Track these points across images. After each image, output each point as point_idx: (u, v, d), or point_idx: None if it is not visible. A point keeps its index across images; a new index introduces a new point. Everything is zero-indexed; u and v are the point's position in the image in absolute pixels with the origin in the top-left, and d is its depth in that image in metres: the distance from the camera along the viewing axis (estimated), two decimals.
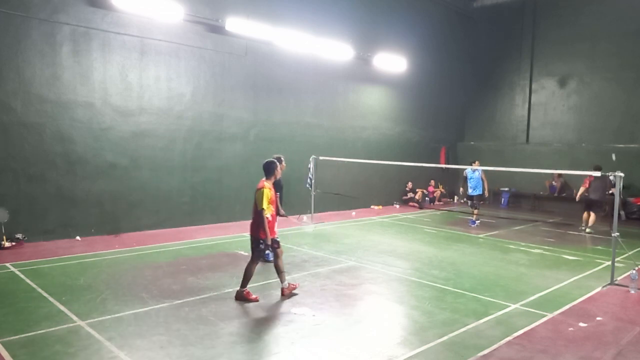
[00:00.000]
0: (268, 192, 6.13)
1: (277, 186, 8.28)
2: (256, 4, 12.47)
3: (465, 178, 13.25)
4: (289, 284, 6.56)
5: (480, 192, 13.07)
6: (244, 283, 6.30)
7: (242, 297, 6.23)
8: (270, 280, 7.20)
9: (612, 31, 16.06)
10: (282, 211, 7.83)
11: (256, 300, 6.22)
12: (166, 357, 4.62)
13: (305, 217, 13.07)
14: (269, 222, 6.15)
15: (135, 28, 10.53)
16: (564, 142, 17.31)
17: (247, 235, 10.53)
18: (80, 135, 9.96)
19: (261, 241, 6.17)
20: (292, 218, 8.98)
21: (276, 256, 6.43)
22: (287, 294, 6.45)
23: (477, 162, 13.05)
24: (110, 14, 10.14)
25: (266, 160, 6.53)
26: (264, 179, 6.37)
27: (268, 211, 6.13)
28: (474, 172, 12.97)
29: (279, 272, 6.46)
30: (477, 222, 13.01)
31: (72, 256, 8.46)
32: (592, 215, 12.33)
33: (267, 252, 8.27)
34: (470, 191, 13.15)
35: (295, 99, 13.93)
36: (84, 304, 6.01)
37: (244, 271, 6.35)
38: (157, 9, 10.42)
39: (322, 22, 14.07)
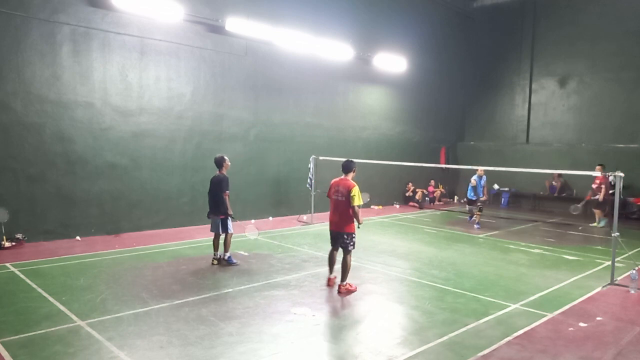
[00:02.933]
0: (358, 188, 6.69)
1: (227, 186, 8.08)
2: (256, 4, 12.47)
3: (475, 187, 12.88)
4: (348, 283, 6.81)
5: (481, 196, 12.99)
6: (344, 277, 6.72)
7: (345, 290, 6.68)
8: (270, 280, 7.21)
9: (612, 31, 16.06)
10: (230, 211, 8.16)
11: (355, 289, 6.78)
12: (166, 357, 4.62)
13: (305, 217, 13.08)
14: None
15: (135, 28, 10.53)
16: (564, 142, 17.30)
17: (246, 235, 10.55)
18: (80, 135, 9.96)
19: (353, 235, 6.73)
20: (246, 224, 8.96)
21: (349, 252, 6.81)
22: (344, 292, 6.71)
23: (480, 170, 12.75)
24: (110, 14, 10.14)
25: (345, 160, 7.03)
26: (344, 176, 6.83)
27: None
28: (481, 179, 12.87)
29: (348, 270, 6.75)
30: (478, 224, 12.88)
31: (72, 256, 8.46)
32: None
33: (228, 255, 8.03)
34: (474, 197, 12.98)
35: (295, 99, 13.93)
36: (84, 304, 6.01)
37: (342, 266, 6.72)
38: (157, 9, 10.42)
39: (322, 22, 14.07)
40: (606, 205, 12.86)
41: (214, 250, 8.22)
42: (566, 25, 17.11)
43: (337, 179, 6.91)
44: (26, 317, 5.52)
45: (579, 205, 12.95)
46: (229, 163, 8.39)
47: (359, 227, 6.77)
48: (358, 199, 6.58)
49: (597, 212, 13.27)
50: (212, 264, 8.12)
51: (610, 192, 13.38)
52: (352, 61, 15.09)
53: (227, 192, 8.05)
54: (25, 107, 9.26)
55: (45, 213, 9.60)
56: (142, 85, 10.75)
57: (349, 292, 6.70)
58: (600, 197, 12.93)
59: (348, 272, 6.73)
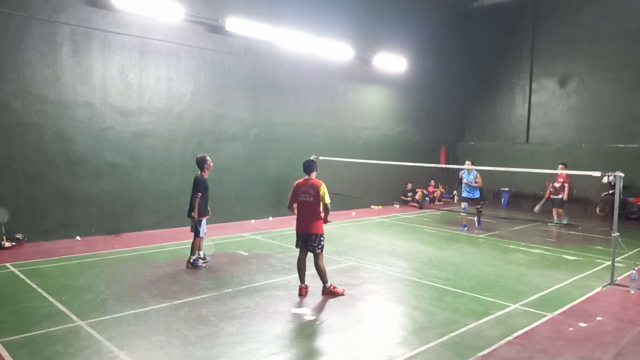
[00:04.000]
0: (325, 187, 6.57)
1: (204, 187, 7.89)
2: (256, 4, 12.47)
3: (460, 180, 12.42)
4: (332, 285, 6.66)
5: (478, 196, 12.32)
6: (324, 279, 6.57)
7: (329, 292, 6.56)
8: (270, 280, 7.21)
9: (612, 31, 16.06)
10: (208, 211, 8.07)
11: (342, 293, 6.60)
12: (166, 357, 4.62)
13: None
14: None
15: (135, 28, 10.53)
16: (564, 142, 17.31)
17: (246, 235, 10.57)
18: (80, 135, 9.96)
19: (322, 237, 6.54)
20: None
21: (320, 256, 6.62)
22: (327, 294, 6.59)
23: (469, 162, 12.11)
24: (110, 14, 10.14)
25: (306, 159, 6.81)
26: (307, 177, 6.63)
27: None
28: (469, 175, 12.18)
29: (324, 272, 6.61)
30: (476, 225, 12.64)
31: (72, 256, 8.46)
32: None
33: (194, 258, 7.86)
34: (465, 194, 12.29)
35: (295, 99, 13.93)
36: (84, 304, 6.01)
37: (317, 271, 6.55)
38: (157, 9, 10.42)
39: (322, 22, 14.07)
40: (564, 204, 12.64)
41: (199, 250, 8.15)
42: (566, 25, 17.12)
43: (300, 180, 6.67)
44: (26, 317, 5.52)
45: (539, 205, 12.85)
46: (212, 163, 8.13)
47: (328, 222, 6.68)
48: (328, 196, 6.50)
49: (558, 211, 12.77)
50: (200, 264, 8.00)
51: (610, 192, 13.37)
52: (352, 61, 15.09)
53: (198, 194, 7.79)
54: (25, 107, 9.26)
55: (45, 213, 9.60)
56: (142, 85, 10.74)
57: (335, 294, 6.54)
58: (564, 196, 12.51)
59: (325, 274, 6.56)
